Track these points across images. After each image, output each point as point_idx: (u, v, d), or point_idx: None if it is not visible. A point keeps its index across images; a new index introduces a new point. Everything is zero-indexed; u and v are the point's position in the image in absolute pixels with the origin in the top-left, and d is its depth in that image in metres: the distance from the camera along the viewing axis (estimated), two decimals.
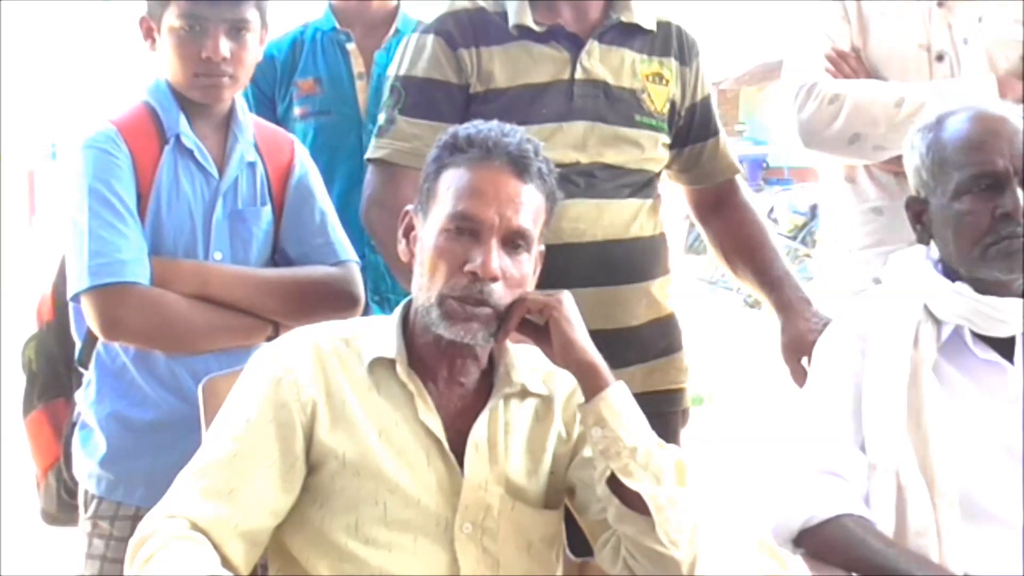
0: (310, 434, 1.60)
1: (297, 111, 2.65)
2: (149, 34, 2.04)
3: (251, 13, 2.02)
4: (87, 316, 1.97)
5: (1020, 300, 1.80)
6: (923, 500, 1.75)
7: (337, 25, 2.69)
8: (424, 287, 1.62)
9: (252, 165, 2.11)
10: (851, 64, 2.34)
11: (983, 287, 1.81)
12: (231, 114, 2.09)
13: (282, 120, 2.64)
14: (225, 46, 1.98)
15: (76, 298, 1.97)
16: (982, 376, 1.82)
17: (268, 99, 2.67)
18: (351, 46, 2.68)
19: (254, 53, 2.06)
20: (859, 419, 1.82)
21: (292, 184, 2.14)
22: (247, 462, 1.57)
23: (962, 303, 1.81)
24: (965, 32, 2.34)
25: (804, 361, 2.13)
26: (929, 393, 1.79)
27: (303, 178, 2.16)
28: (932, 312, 1.84)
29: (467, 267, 1.58)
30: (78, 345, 2.09)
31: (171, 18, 1.99)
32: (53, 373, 2.20)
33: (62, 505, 2.19)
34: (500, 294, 1.60)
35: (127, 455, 2.03)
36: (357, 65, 2.66)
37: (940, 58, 2.33)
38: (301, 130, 2.60)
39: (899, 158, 2.24)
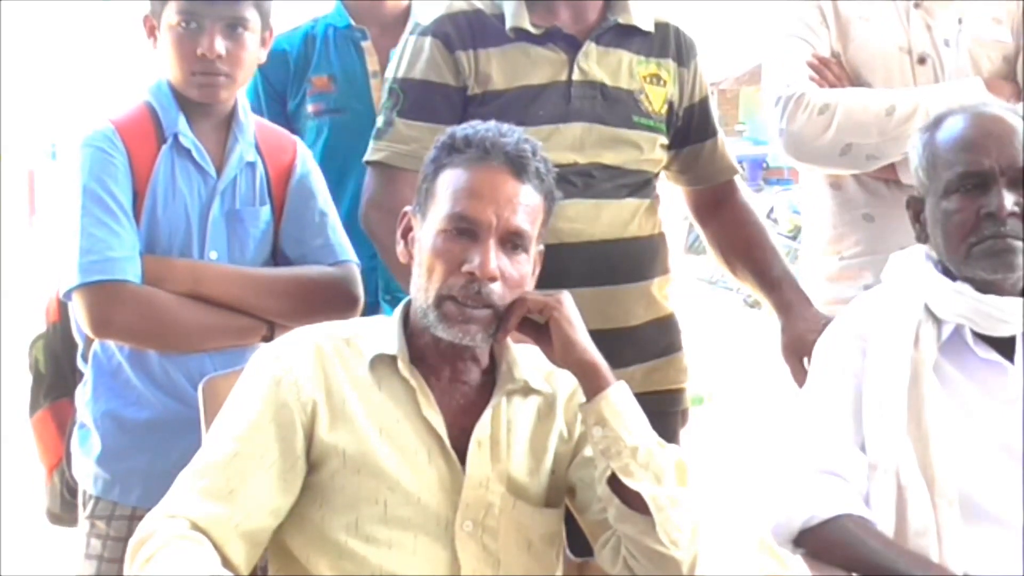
0: (310, 434, 1.60)
1: (310, 108, 2.62)
2: (151, 32, 2.05)
3: (250, 12, 2.02)
4: (77, 314, 1.98)
5: (1021, 300, 1.80)
6: (923, 500, 1.75)
7: (352, 23, 2.65)
8: (423, 288, 1.62)
9: (252, 165, 2.11)
10: (834, 71, 2.29)
11: (983, 286, 1.81)
12: (233, 114, 2.09)
13: (293, 117, 2.62)
14: (221, 44, 1.98)
15: (68, 295, 1.97)
16: (982, 376, 1.82)
17: (279, 95, 2.64)
18: (366, 44, 2.65)
19: (253, 53, 2.05)
20: (859, 419, 1.82)
21: (293, 184, 2.14)
22: (247, 462, 1.57)
23: (963, 302, 1.81)
24: (945, 34, 2.30)
25: (805, 361, 2.12)
26: (929, 393, 1.79)
27: (304, 178, 2.16)
28: (932, 311, 1.84)
29: (465, 267, 1.58)
30: (80, 345, 2.09)
31: (170, 15, 2.00)
32: (59, 373, 2.21)
33: (65, 505, 2.19)
34: (499, 294, 1.60)
35: (122, 454, 2.03)
36: (372, 63, 2.63)
37: (922, 61, 2.29)
38: (315, 128, 2.59)
39: (890, 166, 2.24)
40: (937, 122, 1.86)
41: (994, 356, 1.82)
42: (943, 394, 1.80)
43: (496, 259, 1.59)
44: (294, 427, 1.60)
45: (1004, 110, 1.87)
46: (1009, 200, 1.77)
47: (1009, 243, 1.77)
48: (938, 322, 1.84)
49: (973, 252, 1.79)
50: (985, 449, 1.78)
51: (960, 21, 2.30)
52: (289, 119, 2.61)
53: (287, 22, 2.72)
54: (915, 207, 1.90)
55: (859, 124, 2.20)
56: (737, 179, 2.39)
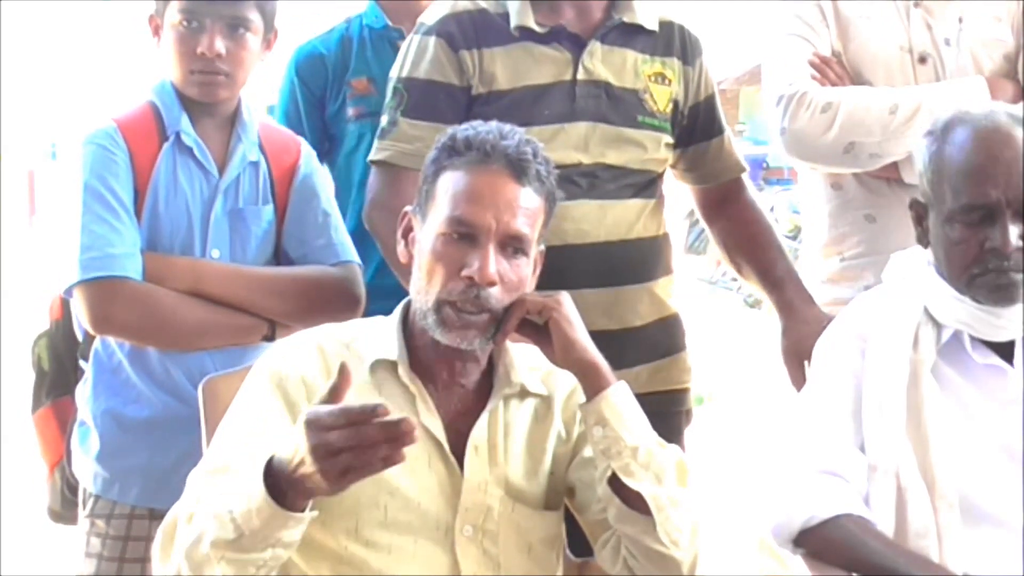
0: None
1: (351, 112, 2.60)
2: (157, 31, 2.06)
3: (252, 13, 2.02)
4: (78, 310, 1.98)
5: (1020, 306, 1.80)
6: (923, 501, 1.75)
7: (389, 23, 2.62)
8: (422, 291, 1.62)
9: (255, 164, 2.11)
10: (835, 70, 2.28)
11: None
12: (236, 114, 2.10)
13: (333, 120, 2.61)
14: (221, 43, 1.99)
15: (69, 292, 1.97)
16: (982, 378, 1.82)
17: (318, 99, 2.62)
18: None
19: (255, 54, 2.05)
20: (859, 420, 1.82)
21: (296, 184, 2.15)
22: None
23: (962, 308, 1.81)
24: (946, 33, 2.29)
25: (805, 364, 2.11)
26: (929, 395, 1.79)
27: (307, 178, 2.16)
28: (932, 315, 1.84)
29: (464, 272, 1.58)
30: (81, 343, 2.10)
31: (172, 14, 2.01)
32: (61, 371, 2.20)
33: (66, 503, 2.19)
34: (498, 298, 1.59)
35: (122, 452, 2.03)
36: None
37: (923, 60, 2.28)
38: (356, 131, 2.57)
39: (892, 164, 2.24)
40: (945, 132, 1.82)
41: (993, 360, 1.82)
42: (942, 396, 1.80)
43: (495, 264, 1.58)
44: None
45: (1012, 121, 1.80)
46: (1014, 234, 1.74)
47: (1012, 277, 1.75)
48: (937, 325, 1.83)
49: (975, 282, 1.77)
50: (985, 451, 1.78)
51: (960, 20, 2.30)
52: (327, 123, 2.60)
53: (321, 22, 2.72)
54: (918, 210, 1.88)
55: (862, 123, 2.20)
56: (744, 177, 2.38)
